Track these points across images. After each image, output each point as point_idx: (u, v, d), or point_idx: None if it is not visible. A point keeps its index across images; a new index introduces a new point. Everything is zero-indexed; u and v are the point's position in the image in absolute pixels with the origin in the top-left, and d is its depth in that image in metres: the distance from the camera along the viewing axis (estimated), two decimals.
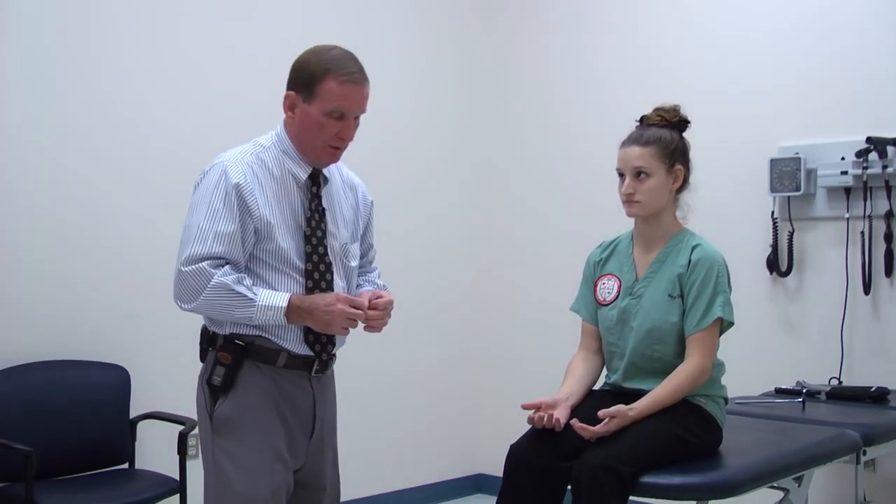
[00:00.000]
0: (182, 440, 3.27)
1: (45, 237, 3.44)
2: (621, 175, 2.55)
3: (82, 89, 3.53)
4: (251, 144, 2.27)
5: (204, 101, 3.84)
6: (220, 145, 3.81)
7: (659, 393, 2.41)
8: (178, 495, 3.26)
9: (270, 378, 2.20)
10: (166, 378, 3.66)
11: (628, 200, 2.53)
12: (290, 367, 2.21)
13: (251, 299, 2.12)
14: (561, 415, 2.40)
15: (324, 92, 2.17)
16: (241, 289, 2.12)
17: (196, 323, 3.84)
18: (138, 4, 3.69)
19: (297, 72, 2.22)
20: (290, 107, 2.22)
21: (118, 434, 3.43)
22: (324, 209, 2.28)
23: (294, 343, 2.21)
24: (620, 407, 2.34)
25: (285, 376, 2.21)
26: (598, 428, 2.31)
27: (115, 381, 3.46)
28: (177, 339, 3.72)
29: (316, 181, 2.27)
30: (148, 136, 3.70)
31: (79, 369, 3.43)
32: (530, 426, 2.44)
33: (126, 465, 3.44)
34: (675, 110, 2.57)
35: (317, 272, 2.22)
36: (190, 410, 3.43)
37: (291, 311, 2.14)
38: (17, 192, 3.38)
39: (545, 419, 2.38)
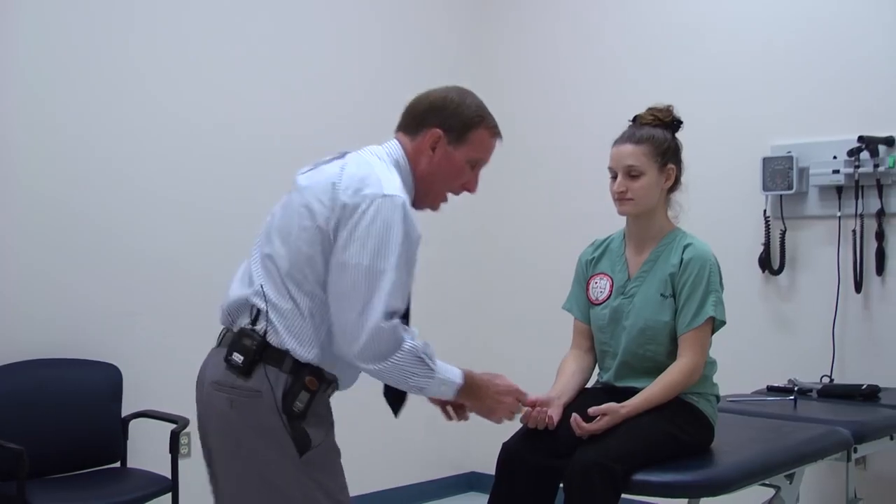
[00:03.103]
0: (174, 439, 3.27)
1: (38, 236, 3.43)
2: (613, 173, 2.56)
3: (78, 89, 3.53)
4: (393, 170, 2.06)
5: (199, 101, 3.85)
6: (213, 145, 3.87)
7: (651, 391, 2.41)
8: (169, 494, 3.26)
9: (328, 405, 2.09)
10: (158, 376, 3.66)
11: (620, 198, 2.54)
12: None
13: (431, 370, 1.98)
14: (554, 413, 2.40)
15: (475, 140, 2.11)
16: (427, 358, 1.98)
17: (188, 322, 3.86)
18: (136, 5, 3.69)
19: (449, 112, 2.10)
20: (432, 145, 2.10)
21: (110, 432, 3.42)
22: None
23: (348, 378, 2.09)
24: (612, 405, 2.34)
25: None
26: (590, 425, 2.31)
27: (107, 380, 3.46)
28: (169, 337, 3.73)
29: None
30: (142, 136, 3.69)
31: (71, 368, 3.43)
32: (522, 425, 2.44)
33: (118, 464, 3.43)
34: (668, 110, 2.58)
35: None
36: (181, 408, 3.45)
37: (463, 389, 2.04)
38: (8, 191, 3.37)
39: (539, 417, 2.39)
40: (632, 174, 2.51)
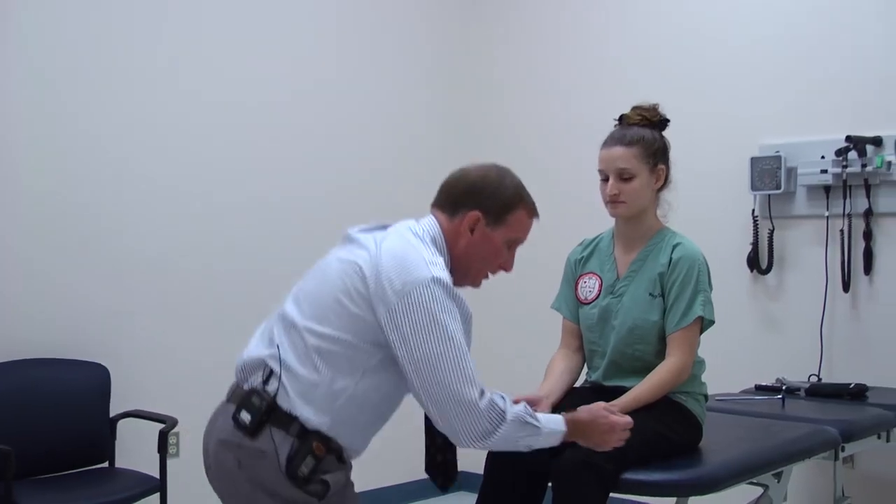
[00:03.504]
0: (163, 439, 3.26)
1: (25, 235, 3.41)
2: (604, 176, 2.54)
3: (73, 88, 3.52)
4: (432, 248, 2.04)
5: (191, 102, 3.84)
6: (204, 146, 3.86)
7: (639, 390, 2.42)
8: (158, 494, 3.25)
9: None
10: (147, 376, 3.65)
11: (613, 201, 2.53)
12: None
13: (537, 427, 2.01)
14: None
15: (514, 221, 2.11)
16: (529, 418, 2.01)
17: (177, 322, 3.84)
18: (136, 4, 3.70)
19: (487, 194, 2.09)
20: (470, 226, 2.08)
21: (98, 433, 3.41)
22: None
23: (358, 445, 2.07)
24: (601, 403, 2.34)
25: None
26: None
27: (95, 380, 3.44)
28: (158, 337, 3.72)
29: None
30: (135, 135, 3.68)
31: (58, 367, 3.41)
32: None
33: (106, 464, 3.42)
34: (654, 109, 2.57)
35: None
36: (169, 408, 3.45)
37: (568, 434, 2.08)
38: None
39: None
40: (624, 177, 2.50)
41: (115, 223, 3.62)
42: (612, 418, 2.16)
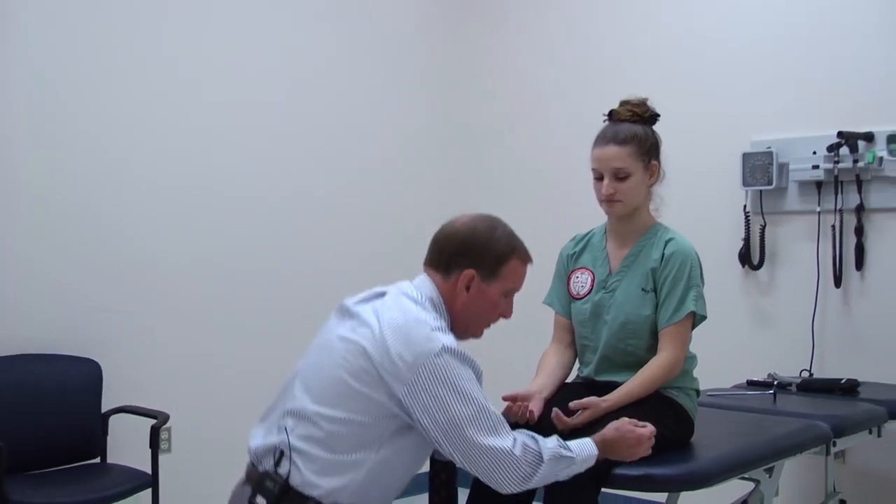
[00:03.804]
0: (154, 434, 3.26)
1: (17, 230, 3.40)
2: (598, 175, 2.53)
3: (67, 86, 3.51)
4: (431, 311, 2.07)
5: (184, 98, 3.84)
6: (199, 142, 3.85)
7: (631, 385, 2.42)
8: (150, 489, 3.24)
9: None
10: (138, 372, 3.65)
11: (609, 200, 2.52)
12: None
13: (572, 458, 2.07)
14: (535, 407, 2.40)
15: (509, 272, 2.14)
16: (564, 451, 2.06)
17: (169, 318, 3.83)
18: (135, 5, 3.71)
19: (479, 250, 2.11)
20: (466, 285, 2.11)
21: (90, 428, 3.41)
22: None
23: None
24: (593, 399, 2.35)
25: None
26: (571, 419, 2.32)
27: (86, 375, 3.44)
28: (149, 333, 3.71)
29: None
30: (126, 130, 3.67)
31: (50, 363, 3.41)
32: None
33: (98, 460, 3.42)
34: (644, 104, 2.55)
35: None
36: (161, 404, 3.44)
37: (600, 454, 2.14)
38: None
39: (520, 412, 2.39)
40: (619, 176, 2.49)
41: (109, 220, 3.62)
42: (638, 431, 2.20)
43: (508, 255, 2.13)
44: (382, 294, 2.12)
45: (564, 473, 2.08)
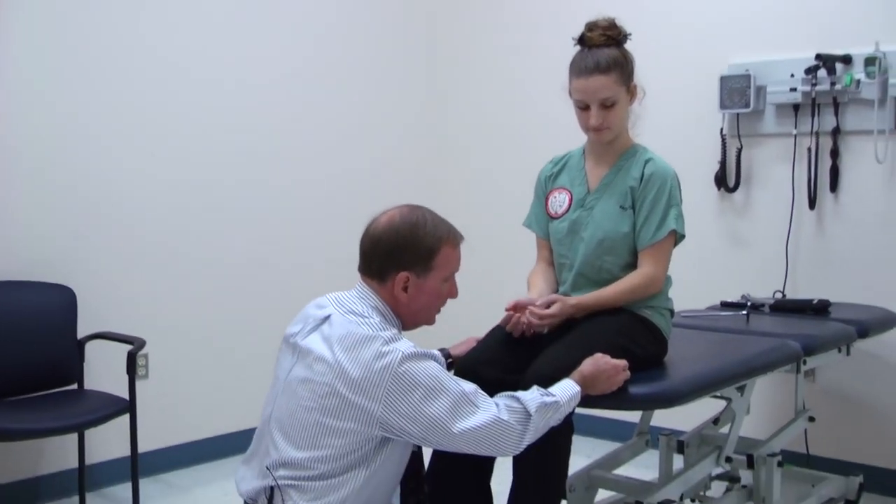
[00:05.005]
0: (131, 360, 3.26)
1: None
2: (583, 105, 2.48)
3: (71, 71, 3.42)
4: (377, 318, 2.07)
5: (180, 82, 3.80)
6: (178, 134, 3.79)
7: (604, 291, 2.46)
8: (127, 415, 3.25)
9: None
10: (113, 298, 3.63)
11: (598, 129, 2.49)
12: None
13: (557, 402, 2.09)
14: (533, 318, 2.42)
15: (441, 262, 2.12)
16: (547, 398, 2.08)
17: (143, 243, 3.79)
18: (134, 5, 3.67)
19: (406, 252, 2.09)
20: (403, 287, 2.10)
21: (66, 355, 3.40)
22: None
23: None
24: (559, 295, 2.40)
25: None
26: (544, 312, 2.37)
27: (61, 302, 3.42)
28: (124, 258, 3.69)
29: None
30: (114, 103, 3.60)
31: (24, 290, 3.38)
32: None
33: (75, 386, 3.42)
34: (615, 26, 2.48)
35: None
36: (137, 330, 3.44)
37: (583, 390, 2.17)
38: None
39: (518, 324, 2.43)
40: (606, 105, 2.47)
41: (79, 147, 3.56)
42: (612, 361, 2.23)
43: (437, 246, 2.11)
44: (326, 318, 2.09)
45: (556, 418, 2.10)
